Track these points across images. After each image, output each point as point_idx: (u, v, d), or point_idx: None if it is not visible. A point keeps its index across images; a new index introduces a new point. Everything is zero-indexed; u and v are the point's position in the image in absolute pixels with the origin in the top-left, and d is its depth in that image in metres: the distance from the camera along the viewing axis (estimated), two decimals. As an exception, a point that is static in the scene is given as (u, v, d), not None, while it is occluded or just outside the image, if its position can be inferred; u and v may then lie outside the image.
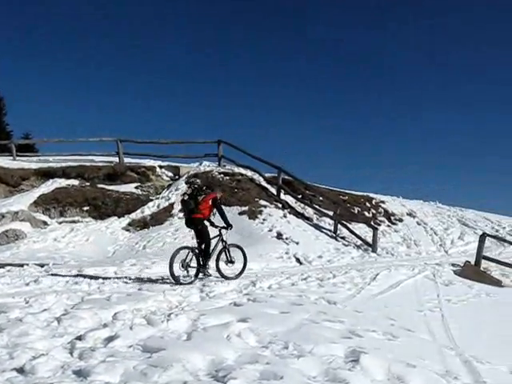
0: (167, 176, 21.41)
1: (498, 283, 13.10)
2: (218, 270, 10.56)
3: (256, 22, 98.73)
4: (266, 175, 20.80)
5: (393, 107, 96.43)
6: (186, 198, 10.49)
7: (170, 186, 20.43)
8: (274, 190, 19.69)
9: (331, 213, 18.55)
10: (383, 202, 22.58)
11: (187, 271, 9.71)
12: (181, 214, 18.15)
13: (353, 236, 17.44)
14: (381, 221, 20.32)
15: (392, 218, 21.07)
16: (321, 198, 19.88)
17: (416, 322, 7.82)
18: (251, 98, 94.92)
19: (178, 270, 9.62)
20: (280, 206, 18.55)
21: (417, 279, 11.66)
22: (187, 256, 9.76)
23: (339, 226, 17.72)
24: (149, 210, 18.60)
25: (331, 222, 18.17)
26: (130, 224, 17.77)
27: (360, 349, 4.81)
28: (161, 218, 18.19)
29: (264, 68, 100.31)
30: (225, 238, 10.76)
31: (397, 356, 5.05)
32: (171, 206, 18.82)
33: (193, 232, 10.78)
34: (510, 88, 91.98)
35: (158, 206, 18.89)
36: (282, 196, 19.42)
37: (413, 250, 18.06)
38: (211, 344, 4.48)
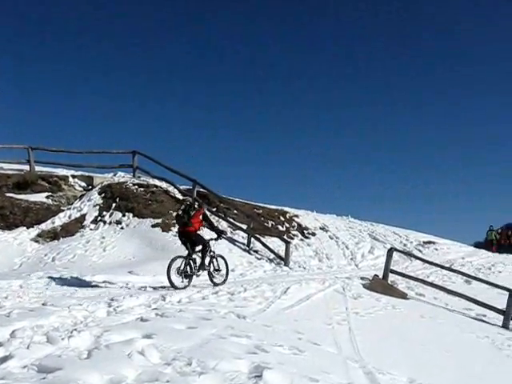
0: (80, 186, 20.83)
1: (403, 296, 13.55)
2: (209, 276, 11.90)
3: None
4: (182, 187, 20.67)
5: (300, 120, 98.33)
6: (181, 212, 11.54)
7: (82, 196, 19.90)
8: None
9: (245, 226, 18.61)
10: (297, 216, 22.90)
11: (182, 277, 11.01)
12: (92, 226, 17.79)
13: (266, 249, 17.55)
14: (294, 234, 20.58)
15: (305, 231, 21.38)
16: (235, 211, 19.92)
17: (324, 335, 7.95)
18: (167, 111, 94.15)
19: (174, 277, 10.83)
20: (194, 219, 18.45)
21: (327, 293, 11.82)
22: (182, 264, 11.05)
23: (253, 239, 17.80)
24: (60, 220, 18.06)
25: (245, 235, 18.22)
26: (39, 235, 17.18)
27: (264, 364, 4.79)
28: (72, 229, 17.70)
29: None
30: (213, 249, 12.16)
31: (301, 370, 5.08)
32: (83, 216, 18.35)
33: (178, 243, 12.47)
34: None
35: (70, 217, 18.37)
36: (197, 209, 19.32)
37: (324, 263, 18.42)
38: (111, 362, 4.31)
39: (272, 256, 17.26)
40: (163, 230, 17.11)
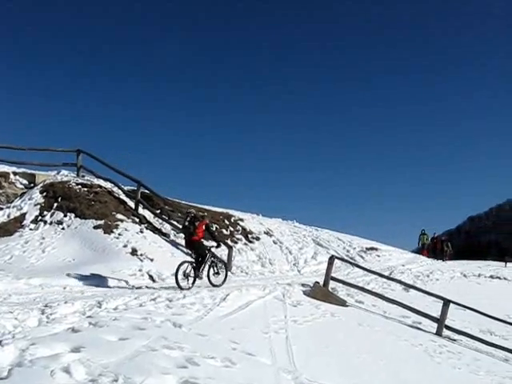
0: (21, 184, 20.16)
1: (343, 303, 13.71)
2: (209, 279, 13.41)
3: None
4: (126, 188, 20.37)
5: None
6: (187, 224, 13.14)
7: (23, 194, 19.27)
8: (133, 204, 19.22)
9: (189, 230, 18.43)
10: (242, 219, 22.84)
11: (187, 280, 12.51)
12: (32, 225, 17.27)
13: (209, 254, 17.44)
14: (238, 239, 20.50)
15: (249, 236, 21.31)
16: (179, 214, 19.71)
17: (260, 344, 7.96)
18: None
19: (181, 279, 12.29)
20: (137, 220, 18.09)
21: (267, 300, 11.81)
22: (187, 268, 12.64)
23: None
24: (-3, 219, 17.49)
25: (188, 239, 18.01)
26: (-26, 234, 16.56)
27: (193, 379, 4.77)
28: (10, 228, 17.10)
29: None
30: (215, 256, 13.94)
31: (230, 385, 5.08)
32: (23, 216, 17.78)
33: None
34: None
35: (9, 216, 17.76)
36: (141, 210, 18.95)
37: (267, 268, 18.42)
38: (32, 382, 4.19)
39: (215, 261, 17.20)
40: (105, 232, 16.73)
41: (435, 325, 13.57)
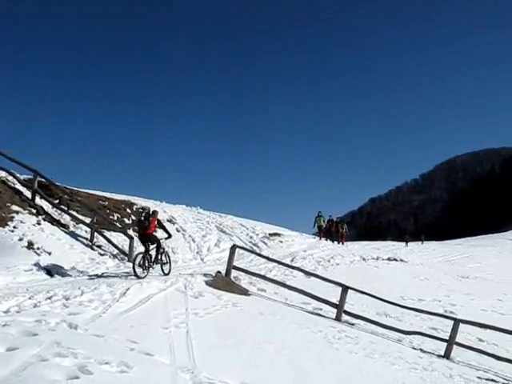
0: None
1: (245, 292, 13.84)
2: (161, 267, 14.75)
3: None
4: (22, 178, 19.37)
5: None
6: (142, 219, 14.42)
7: None
8: (29, 194, 18.25)
9: (89, 220, 17.88)
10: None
11: (143, 269, 13.78)
12: None
13: (110, 245, 17.02)
14: (140, 228, 20.15)
15: (152, 224, 21.02)
16: (79, 204, 19.02)
17: (159, 341, 7.83)
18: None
19: (137, 269, 13.48)
20: (34, 211, 17.20)
21: (168, 292, 11.69)
22: (142, 259, 13.91)
23: (96, 234, 17.17)
24: None
25: (89, 229, 17.49)
26: None
27: (85, 391, 4.61)
28: None
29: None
30: (162, 247, 14.96)
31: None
32: None
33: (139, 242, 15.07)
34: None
35: None
36: (38, 201, 18.04)
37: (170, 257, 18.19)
38: None
39: (116, 251, 16.80)
40: (-1, 225, 15.93)
41: (335, 310, 13.98)
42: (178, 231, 21.63)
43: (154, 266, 14.43)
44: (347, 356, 10.36)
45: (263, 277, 15.34)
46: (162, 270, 14.79)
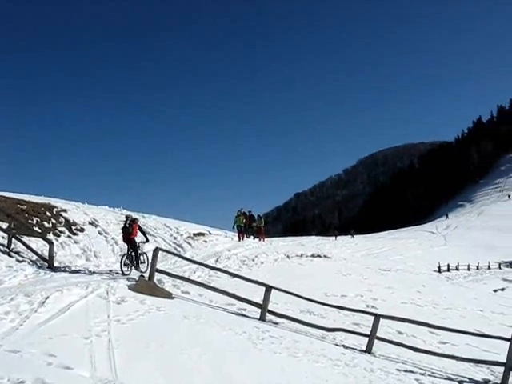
0: None
1: (169, 295, 13.71)
2: (138, 266, 16.67)
3: None
4: None
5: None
6: (127, 225, 16.91)
7: None
8: None
9: (6, 225, 17.18)
10: (65, 210, 21.87)
11: (127, 268, 16.20)
12: None
13: (29, 251, 16.41)
14: (61, 231, 19.54)
15: (73, 227, 20.44)
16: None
17: (80, 353, 7.65)
18: None
19: (123, 267, 15.95)
20: None
21: (89, 299, 11.38)
22: (126, 259, 16.33)
23: (14, 239, 16.51)
24: None
25: (5, 235, 16.77)
26: None
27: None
28: None
29: None
30: (142, 249, 17.25)
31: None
32: None
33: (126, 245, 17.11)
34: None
35: None
36: None
37: (92, 262, 17.68)
38: None
39: (35, 257, 16.18)
40: None
41: (259, 310, 14.07)
42: (101, 234, 21.16)
43: (135, 264, 16.63)
44: (271, 356, 10.44)
45: (187, 279, 15.27)
46: (139, 268, 16.71)
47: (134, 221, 17.19)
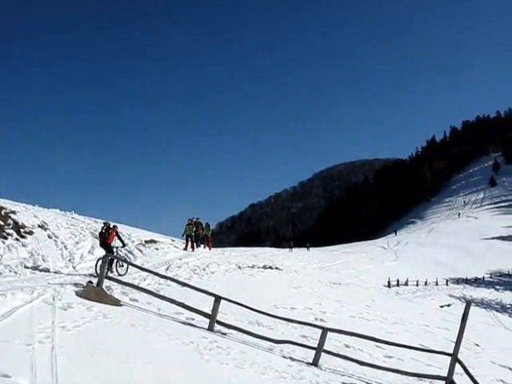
0: None
1: (116, 303, 13.51)
2: (116, 269, 17.95)
3: None
4: None
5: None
6: (104, 231, 18.12)
7: None
8: None
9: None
10: (14, 212, 21.37)
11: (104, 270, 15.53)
12: None
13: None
14: (9, 234, 19.02)
15: (22, 230, 19.95)
16: None
17: (21, 360, 7.44)
18: None
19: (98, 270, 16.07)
20: None
21: (34, 304, 11.12)
22: (102, 261, 15.39)
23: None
24: None
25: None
26: None
27: None
28: None
29: None
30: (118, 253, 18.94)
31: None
32: None
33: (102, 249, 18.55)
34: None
35: None
36: None
37: (40, 266, 17.35)
38: None
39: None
40: None
41: (208, 320, 13.99)
42: (50, 237, 20.73)
43: (112, 267, 17.62)
44: (218, 367, 10.37)
45: (136, 286, 15.08)
46: (117, 270, 18.00)
47: (113, 227, 18.49)
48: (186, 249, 28.04)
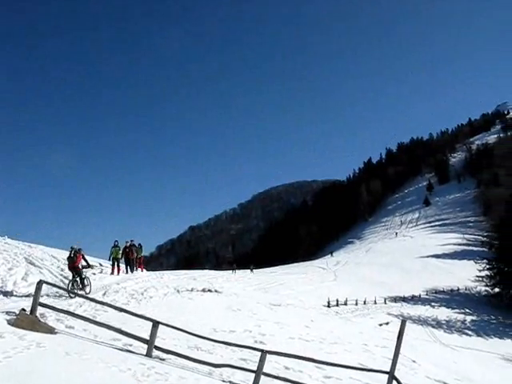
0: None
1: (51, 331, 13.14)
2: (83, 288, 20.07)
3: None
4: None
5: None
6: (72, 255, 20.07)
7: None
8: None
9: None
10: None
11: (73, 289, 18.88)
12: None
13: None
14: None
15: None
16: None
17: None
18: None
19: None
20: None
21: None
22: (72, 282, 19.85)
23: None
24: None
25: None
26: None
27: None
28: None
29: None
30: (85, 274, 21.15)
31: None
32: None
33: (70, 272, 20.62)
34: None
35: None
36: None
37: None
38: None
39: None
40: None
41: (146, 346, 13.76)
42: (-20, 264, 20.07)
43: (80, 287, 19.97)
44: (156, 394, 10.21)
45: (71, 313, 14.66)
46: (84, 289, 20.16)
47: (79, 251, 20.45)
48: (112, 273, 26.95)
